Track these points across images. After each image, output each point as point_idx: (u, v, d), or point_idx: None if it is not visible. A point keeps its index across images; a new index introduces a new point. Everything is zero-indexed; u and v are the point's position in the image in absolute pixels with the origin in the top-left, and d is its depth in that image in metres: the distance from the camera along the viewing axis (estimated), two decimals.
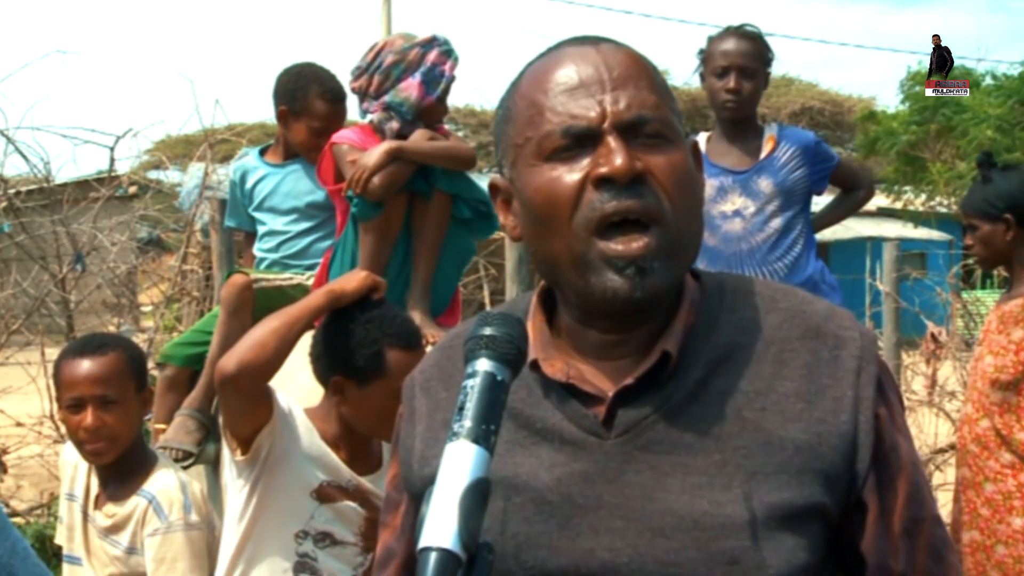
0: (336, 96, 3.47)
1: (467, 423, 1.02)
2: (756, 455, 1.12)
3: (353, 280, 2.42)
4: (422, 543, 0.97)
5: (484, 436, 1.02)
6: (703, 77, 3.64)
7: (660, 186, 1.15)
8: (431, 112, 3.22)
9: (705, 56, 3.61)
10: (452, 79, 3.21)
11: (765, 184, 3.55)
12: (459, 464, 1.00)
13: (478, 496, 0.99)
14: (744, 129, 3.62)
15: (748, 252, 3.54)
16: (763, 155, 3.58)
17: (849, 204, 3.90)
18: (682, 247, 1.17)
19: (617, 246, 1.14)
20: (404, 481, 1.30)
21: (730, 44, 3.54)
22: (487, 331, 1.08)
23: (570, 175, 1.15)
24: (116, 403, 2.51)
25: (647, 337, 1.19)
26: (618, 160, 1.13)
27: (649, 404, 1.16)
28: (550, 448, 1.18)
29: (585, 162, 1.15)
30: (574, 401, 1.19)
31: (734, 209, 3.55)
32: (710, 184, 3.53)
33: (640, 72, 1.19)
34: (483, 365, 1.06)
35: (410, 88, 3.15)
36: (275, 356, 2.26)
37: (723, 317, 1.20)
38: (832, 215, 3.93)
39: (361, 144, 3.19)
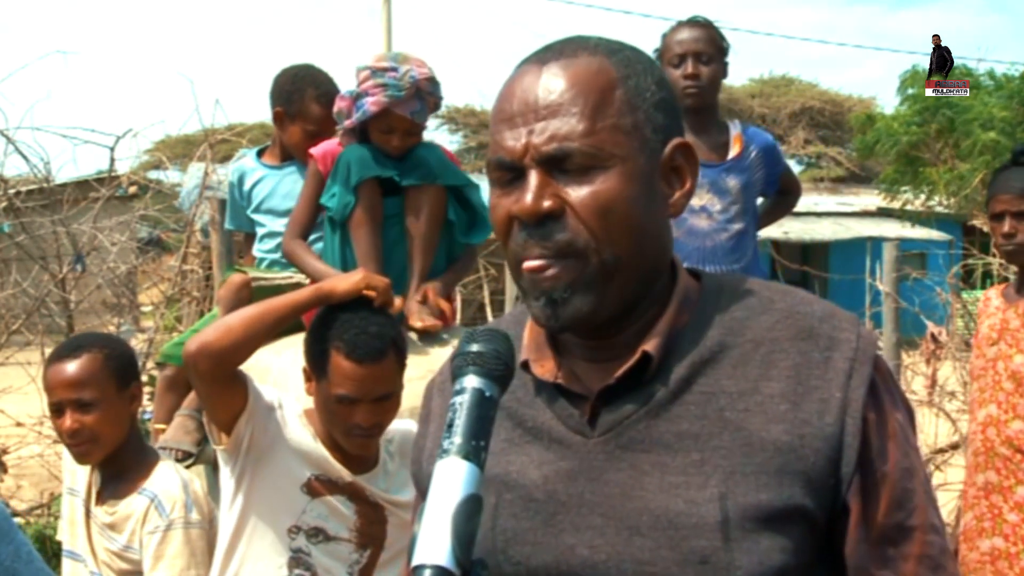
0: (331, 99, 3.44)
1: (457, 440, 1.04)
2: (735, 455, 1.12)
3: (346, 282, 2.42)
4: (416, 560, 0.98)
5: (474, 452, 1.03)
6: None
7: (580, 219, 1.14)
8: (385, 120, 3.02)
9: (661, 51, 3.60)
10: (382, 106, 2.99)
11: (733, 184, 3.53)
12: (450, 481, 1.01)
13: (470, 512, 1.00)
14: (707, 122, 3.59)
15: (711, 250, 3.50)
16: (732, 155, 3.55)
17: (784, 207, 3.91)
18: (610, 272, 1.15)
19: (533, 275, 1.16)
20: (414, 478, 1.34)
21: (683, 33, 3.56)
22: (474, 348, 1.10)
23: (504, 205, 1.17)
24: (93, 405, 2.49)
25: (634, 337, 1.20)
26: (527, 199, 1.14)
27: (632, 403, 1.17)
28: (540, 446, 1.20)
29: (515, 194, 1.17)
30: (562, 400, 1.21)
31: (700, 205, 3.51)
32: None
33: (578, 95, 1.15)
34: (471, 382, 1.08)
35: (342, 102, 3.08)
36: (240, 343, 2.25)
37: (716, 318, 1.20)
38: (769, 217, 3.89)
39: (332, 157, 3.11)
